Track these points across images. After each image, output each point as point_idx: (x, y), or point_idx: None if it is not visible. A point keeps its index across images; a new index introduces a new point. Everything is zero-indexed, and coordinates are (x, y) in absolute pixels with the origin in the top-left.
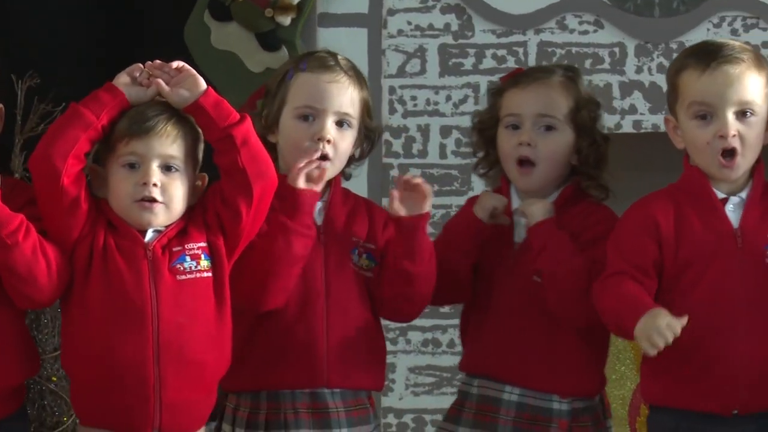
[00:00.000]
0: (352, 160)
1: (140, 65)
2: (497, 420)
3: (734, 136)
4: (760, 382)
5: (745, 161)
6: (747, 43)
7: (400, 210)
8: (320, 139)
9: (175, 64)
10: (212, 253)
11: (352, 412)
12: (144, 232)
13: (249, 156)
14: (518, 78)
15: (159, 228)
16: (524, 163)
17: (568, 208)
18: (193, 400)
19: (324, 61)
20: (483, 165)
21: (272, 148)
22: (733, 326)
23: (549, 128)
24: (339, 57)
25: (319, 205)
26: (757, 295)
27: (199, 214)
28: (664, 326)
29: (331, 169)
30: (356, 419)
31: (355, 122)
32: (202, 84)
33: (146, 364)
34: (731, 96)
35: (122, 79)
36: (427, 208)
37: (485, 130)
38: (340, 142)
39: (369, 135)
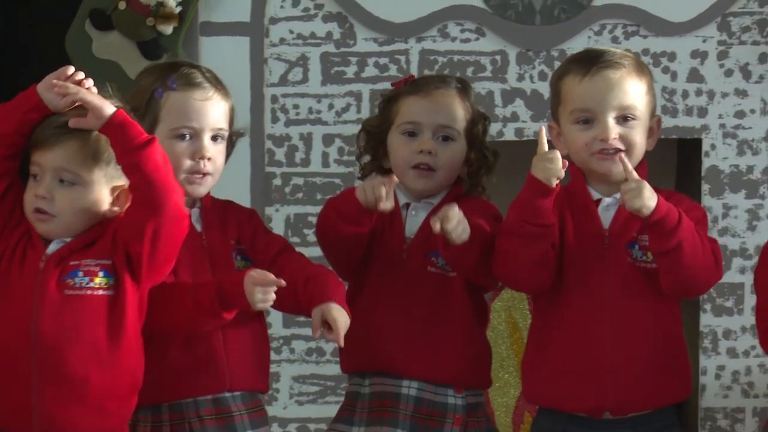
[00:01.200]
0: None
1: (65, 73)
2: (397, 415)
3: (615, 138)
4: (630, 384)
5: (629, 159)
6: (628, 50)
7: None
8: (201, 158)
9: (88, 83)
10: (116, 272)
11: (253, 414)
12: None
13: (138, 191)
14: (416, 86)
15: (63, 240)
16: (423, 167)
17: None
18: (76, 415)
19: (192, 78)
20: (368, 169)
21: None
22: (601, 326)
23: (446, 138)
24: (203, 70)
25: (196, 212)
26: (624, 295)
27: (111, 231)
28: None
29: (212, 183)
30: (258, 420)
31: (226, 134)
32: (107, 111)
33: (25, 373)
34: (611, 100)
35: (42, 85)
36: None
37: (375, 135)
38: (218, 157)
39: (233, 140)
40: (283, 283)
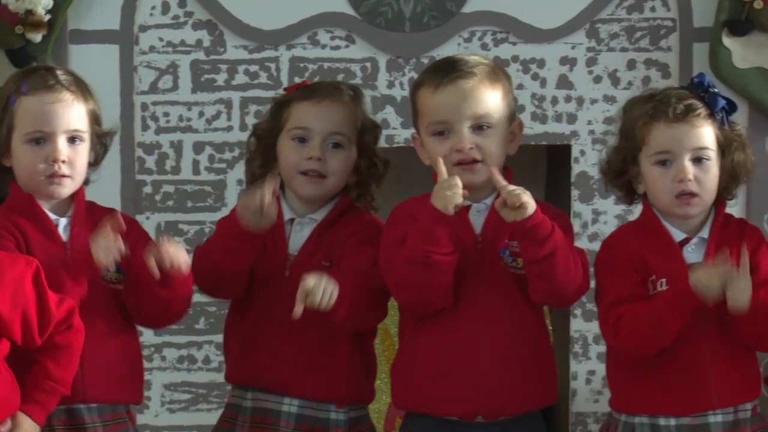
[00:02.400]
0: (89, 166)
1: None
2: None
3: (471, 148)
4: (501, 388)
5: (485, 168)
6: (497, 57)
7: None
8: (54, 161)
9: None
10: None
11: (110, 427)
12: None
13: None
14: (308, 92)
15: None
16: (312, 174)
17: (340, 217)
18: None
19: (44, 81)
20: (257, 174)
21: (9, 171)
22: (471, 331)
23: (337, 145)
24: (59, 72)
25: (64, 221)
26: (494, 300)
27: None
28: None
29: (72, 184)
30: None
31: (86, 135)
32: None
33: None
34: (465, 111)
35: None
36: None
37: (265, 139)
38: (75, 158)
39: (102, 140)
40: (122, 223)
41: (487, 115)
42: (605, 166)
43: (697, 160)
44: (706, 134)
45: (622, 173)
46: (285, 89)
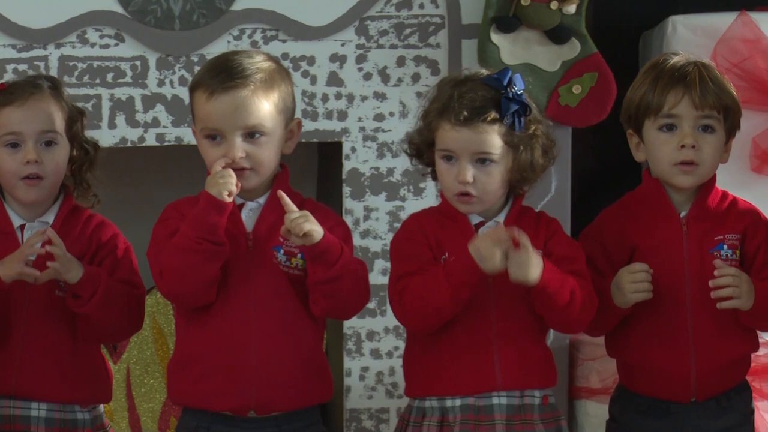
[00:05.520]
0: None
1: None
2: None
3: (242, 157)
4: (273, 384)
5: (256, 175)
6: (268, 55)
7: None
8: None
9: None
10: None
11: None
12: None
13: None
14: (10, 95)
15: None
16: (32, 178)
17: (70, 218)
18: None
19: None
20: None
21: None
22: (245, 327)
23: (50, 143)
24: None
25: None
26: (267, 297)
27: None
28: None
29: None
30: None
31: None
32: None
33: None
34: (235, 121)
35: None
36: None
37: None
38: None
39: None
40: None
41: (259, 125)
42: (407, 145)
43: (480, 161)
44: (490, 140)
45: (420, 155)
46: None
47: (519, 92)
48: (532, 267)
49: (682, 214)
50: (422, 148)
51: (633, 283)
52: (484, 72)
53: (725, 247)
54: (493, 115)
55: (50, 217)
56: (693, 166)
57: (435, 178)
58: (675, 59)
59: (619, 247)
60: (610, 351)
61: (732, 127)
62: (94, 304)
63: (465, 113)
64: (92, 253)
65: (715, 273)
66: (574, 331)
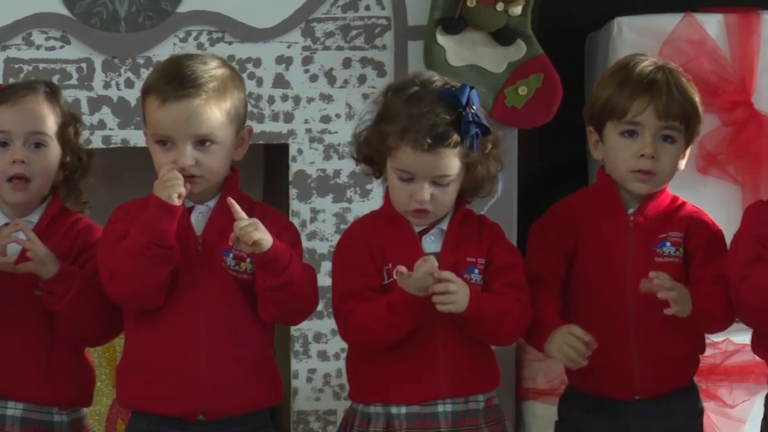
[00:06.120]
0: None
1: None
2: None
3: (192, 165)
4: (219, 388)
5: (206, 182)
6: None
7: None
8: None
9: None
10: None
11: None
12: None
13: None
14: (4, 95)
15: None
16: (18, 179)
17: (56, 219)
18: None
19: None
20: None
21: None
22: (194, 332)
23: (39, 145)
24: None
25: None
26: (216, 301)
27: None
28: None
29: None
30: None
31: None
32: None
33: None
34: (187, 130)
35: None
36: None
37: None
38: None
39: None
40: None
41: (210, 134)
42: (355, 152)
43: (438, 182)
44: (450, 163)
45: (369, 162)
46: None
47: (477, 113)
48: (459, 298)
49: (630, 210)
50: (373, 158)
51: (566, 344)
52: (435, 78)
53: (668, 244)
54: (455, 139)
55: (35, 217)
56: (650, 175)
57: (378, 177)
58: (644, 63)
59: (565, 238)
60: None
61: (691, 136)
62: (68, 301)
63: (428, 141)
64: (75, 255)
65: (650, 275)
66: (506, 344)
